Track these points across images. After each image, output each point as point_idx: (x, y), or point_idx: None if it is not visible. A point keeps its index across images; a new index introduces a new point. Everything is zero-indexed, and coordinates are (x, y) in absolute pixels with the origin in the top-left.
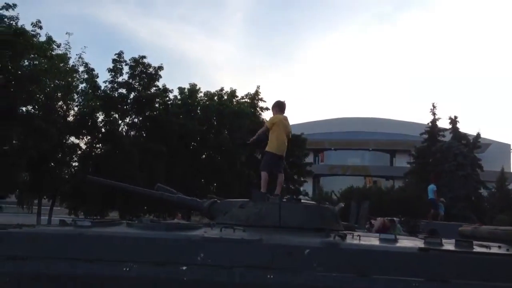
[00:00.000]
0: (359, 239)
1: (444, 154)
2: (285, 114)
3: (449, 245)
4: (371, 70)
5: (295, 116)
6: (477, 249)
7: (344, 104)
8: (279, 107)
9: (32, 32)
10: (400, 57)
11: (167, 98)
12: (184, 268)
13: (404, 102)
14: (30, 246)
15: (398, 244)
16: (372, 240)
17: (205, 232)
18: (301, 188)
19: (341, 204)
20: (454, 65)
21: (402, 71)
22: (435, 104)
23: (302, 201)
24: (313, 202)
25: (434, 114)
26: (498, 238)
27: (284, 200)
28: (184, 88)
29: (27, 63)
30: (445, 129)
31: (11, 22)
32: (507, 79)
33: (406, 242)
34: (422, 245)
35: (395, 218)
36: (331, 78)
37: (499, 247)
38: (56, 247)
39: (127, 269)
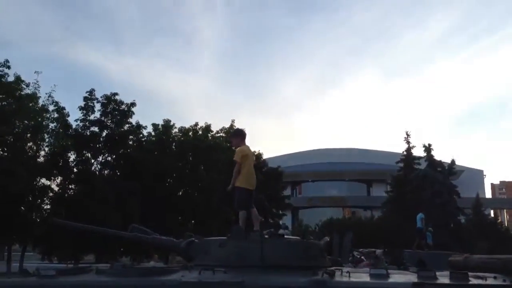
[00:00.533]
0: (349, 276)
1: (420, 182)
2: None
3: (443, 278)
4: (346, 101)
5: (270, 149)
6: (473, 281)
7: (320, 135)
8: (241, 136)
9: (0, 72)
10: (374, 87)
11: (141, 135)
12: None
13: (379, 132)
14: None
15: (390, 280)
16: (362, 277)
17: (182, 276)
18: (281, 222)
19: (326, 238)
20: (426, 94)
21: (376, 101)
22: (408, 133)
23: (285, 236)
24: (297, 238)
25: (408, 142)
26: (492, 268)
27: (266, 236)
28: (158, 124)
29: None
30: (420, 157)
31: None
32: (476, 106)
33: (398, 277)
34: (416, 280)
35: (377, 250)
36: (305, 110)
37: (495, 277)
38: None
39: None
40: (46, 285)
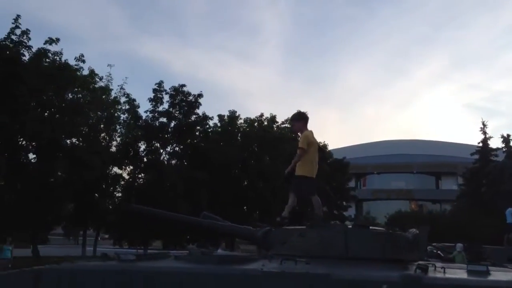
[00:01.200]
0: (444, 272)
1: (498, 174)
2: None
3: None
4: (413, 91)
5: (335, 140)
6: None
7: (386, 126)
8: (304, 120)
9: (76, 66)
10: (443, 76)
11: (207, 126)
12: None
13: (448, 124)
14: (70, 284)
15: (491, 278)
16: (458, 273)
17: (263, 265)
18: (346, 214)
19: (414, 230)
20: (498, 83)
21: (445, 91)
22: (485, 123)
23: (370, 227)
24: (382, 229)
25: (485, 133)
26: None
27: (349, 226)
28: (224, 116)
29: (71, 96)
30: (498, 148)
31: (55, 57)
32: None
33: (500, 275)
34: None
35: (457, 244)
36: (371, 100)
37: None
38: (98, 285)
39: None
40: (127, 269)
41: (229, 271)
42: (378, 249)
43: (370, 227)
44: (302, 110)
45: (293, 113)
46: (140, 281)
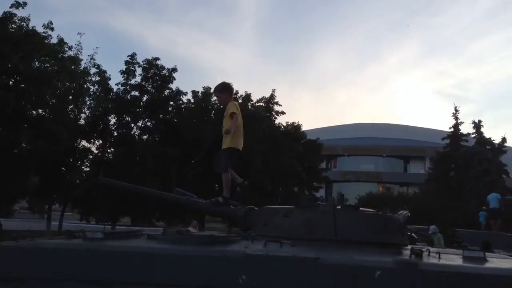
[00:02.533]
0: (439, 257)
1: (467, 159)
2: None
3: None
4: (385, 76)
5: (308, 121)
6: None
7: (358, 109)
8: (229, 91)
9: (44, 34)
10: (415, 62)
11: (181, 102)
12: None
13: (419, 109)
14: (28, 264)
15: (491, 265)
16: (455, 259)
17: (246, 247)
18: (317, 194)
19: (404, 212)
20: (471, 71)
21: (417, 77)
22: (457, 108)
23: (360, 208)
24: (372, 210)
25: (456, 118)
26: None
27: (338, 207)
28: (198, 92)
29: (38, 64)
30: (468, 134)
31: (22, 23)
32: None
33: (498, 262)
34: None
35: (430, 227)
36: (344, 83)
37: None
38: (60, 266)
39: None
40: (94, 249)
41: (209, 253)
42: (369, 231)
43: (360, 208)
44: (226, 81)
45: (217, 84)
46: (109, 263)
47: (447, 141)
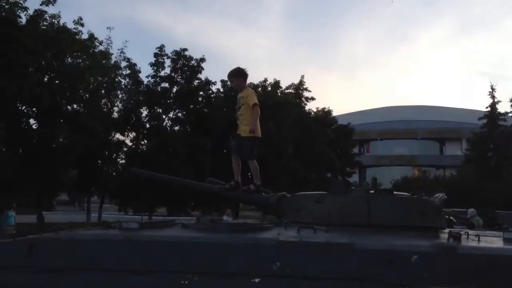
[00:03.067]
0: (478, 240)
1: (505, 139)
2: None
3: None
4: (417, 56)
5: (340, 106)
6: None
7: (390, 92)
8: (244, 77)
9: (74, 30)
10: (449, 41)
11: (210, 91)
12: (257, 280)
13: (454, 89)
14: (67, 254)
15: None
16: (495, 241)
17: (279, 234)
18: (350, 180)
19: (441, 194)
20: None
21: (451, 56)
22: (494, 86)
23: (394, 192)
24: (407, 194)
25: (493, 97)
26: None
27: (371, 191)
28: (227, 81)
29: (70, 60)
30: (506, 113)
31: (53, 20)
32: None
33: None
34: None
35: (469, 210)
36: (375, 66)
37: None
38: (98, 256)
39: (186, 282)
40: (130, 239)
41: (242, 240)
42: (404, 215)
43: (395, 192)
44: (240, 66)
45: (231, 69)
46: (144, 252)
47: (484, 121)
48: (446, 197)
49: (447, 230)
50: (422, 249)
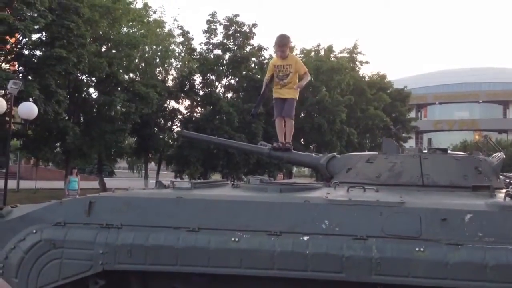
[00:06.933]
0: None
1: None
2: None
3: None
4: (475, 16)
5: (396, 70)
6: None
7: (449, 54)
8: (290, 44)
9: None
10: None
11: (263, 57)
12: (306, 238)
13: None
14: (124, 212)
15: None
16: None
17: (328, 193)
18: (406, 145)
19: (500, 154)
20: None
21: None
22: None
23: (449, 152)
24: (462, 153)
25: None
26: None
27: (425, 151)
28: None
29: (125, 30)
30: None
31: None
32: None
33: None
34: None
35: None
36: (433, 28)
37: None
38: (152, 213)
39: (236, 239)
40: (183, 197)
41: (291, 199)
42: (459, 175)
43: (449, 152)
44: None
45: (280, 37)
46: (196, 210)
47: None
48: (504, 156)
49: (504, 190)
50: (477, 208)
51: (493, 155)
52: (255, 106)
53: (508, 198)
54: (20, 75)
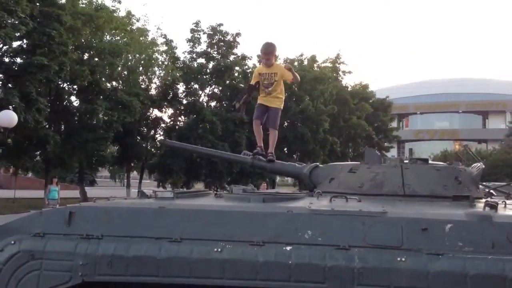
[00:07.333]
0: None
1: None
2: None
3: None
4: (456, 27)
5: (378, 80)
6: None
7: (429, 65)
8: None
9: (112, 7)
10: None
11: (246, 66)
12: (289, 248)
13: (495, 60)
14: (105, 222)
15: None
16: None
17: (310, 203)
18: (388, 154)
19: (478, 164)
20: None
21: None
22: None
23: (429, 162)
24: (443, 163)
25: None
26: None
27: (406, 161)
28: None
29: (108, 38)
30: None
31: None
32: None
33: None
34: None
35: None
36: (414, 40)
37: None
38: (134, 224)
39: (219, 249)
40: (165, 207)
41: (274, 209)
42: (439, 185)
43: (430, 162)
44: (271, 42)
45: (266, 45)
46: (178, 221)
47: None
48: (483, 166)
49: (483, 200)
50: (457, 218)
51: (473, 165)
52: (238, 99)
53: (487, 208)
54: (0, 82)
